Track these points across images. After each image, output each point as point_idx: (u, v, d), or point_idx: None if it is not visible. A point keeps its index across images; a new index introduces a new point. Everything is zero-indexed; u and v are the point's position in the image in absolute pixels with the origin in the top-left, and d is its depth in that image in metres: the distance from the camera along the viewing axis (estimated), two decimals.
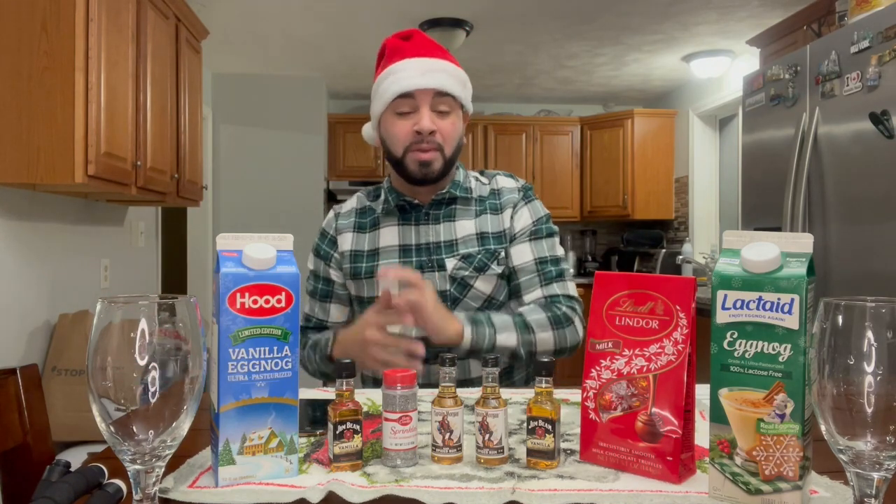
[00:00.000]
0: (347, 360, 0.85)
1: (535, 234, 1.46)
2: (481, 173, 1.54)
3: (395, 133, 1.40)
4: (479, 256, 1.43)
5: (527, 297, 1.44)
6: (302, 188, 5.16)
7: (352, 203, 1.55)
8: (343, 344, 1.36)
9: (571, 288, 1.46)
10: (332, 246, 1.51)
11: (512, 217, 1.47)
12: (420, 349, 1.25)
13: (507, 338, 1.32)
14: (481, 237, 1.45)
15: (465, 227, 1.45)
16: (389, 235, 1.46)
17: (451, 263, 1.42)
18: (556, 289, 1.44)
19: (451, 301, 1.42)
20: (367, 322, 1.28)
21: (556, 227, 1.52)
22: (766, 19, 3.79)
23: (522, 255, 1.45)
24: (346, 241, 1.49)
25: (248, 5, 3.69)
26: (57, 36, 2.07)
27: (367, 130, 1.53)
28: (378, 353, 1.25)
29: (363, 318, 1.31)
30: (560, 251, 1.49)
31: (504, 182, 1.52)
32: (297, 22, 3.97)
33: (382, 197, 1.50)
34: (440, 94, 1.37)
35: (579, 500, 0.73)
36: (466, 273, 1.42)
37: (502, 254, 1.45)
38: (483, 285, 1.43)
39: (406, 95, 1.36)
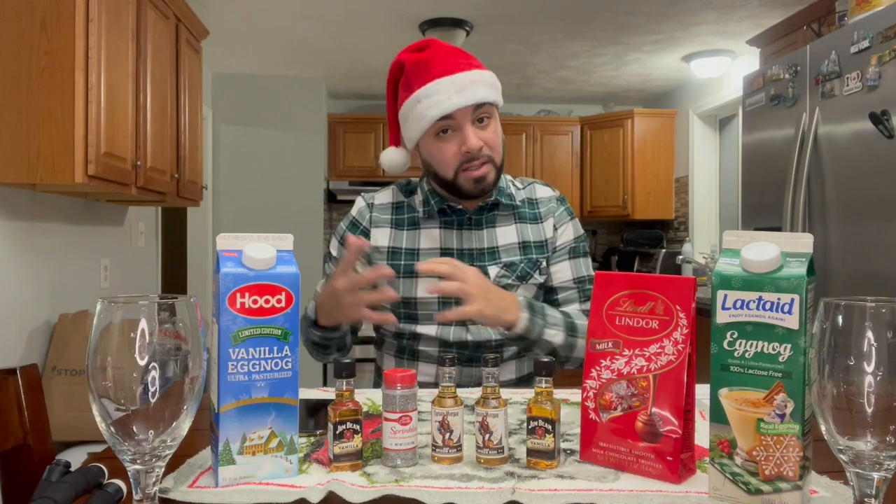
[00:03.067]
0: (347, 360, 0.85)
1: (574, 253, 1.48)
2: (514, 178, 1.54)
3: (441, 157, 1.36)
4: (522, 265, 1.43)
5: (565, 308, 1.45)
6: (302, 188, 5.16)
7: (386, 196, 1.51)
8: (323, 306, 1.34)
9: None
10: (364, 237, 1.46)
11: (556, 228, 1.48)
12: (390, 292, 1.24)
13: (555, 335, 1.32)
14: (523, 246, 1.45)
15: (506, 234, 1.45)
16: (430, 238, 1.44)
17: (493, 271, 1.42)
18: (575, 308, 1.46)
19: None
20: (334, 275, 1.27)
21: (588, 249, 1.55)
22: (766, 19, 3.79)
23: (562, 273, 1.47)
24: (383, 236, 1.45)
25: (248, 5, 3.69)
26: (57, 36, 2.07)
27: (392, 157, 1.46)
28: (351, 297, 1.23)
29: (332, 273, 1.30)
30: (592, 272, 1.49)
31: (541, 191, 1.52)
32: (297, 22, 3.97)
33: (421, 197, 1.46)
34: (478, 106, 1.34)
35: (579, 500, 0.73)
36: (509, 281, 1.42)
37: (543, 263, 1.46)
38: (523, 291, 1.42)
39: (446, 117, 1.32)
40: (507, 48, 4.43)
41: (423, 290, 1.39)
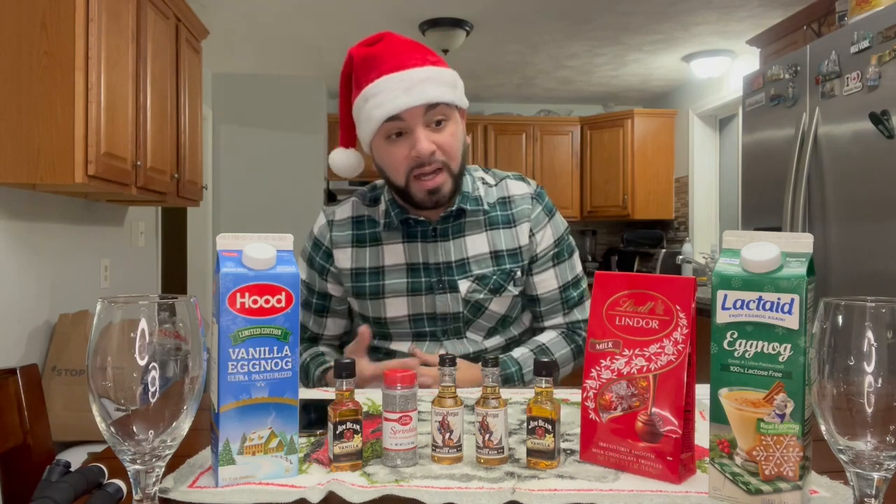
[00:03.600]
0: (347, 360, 0.85)
1: (558, 258, 1.40)
2: (487, 171, 1.44)
3: (391, 162, 1.27)
4: (495, 278, 1.35)
5: (548, 323, 1.43)
6: (302, 188, 5.16)
7: (346, 210, 1.41)
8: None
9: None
10: (328, 259, 1.40)
11: (532, 234, 1.38)
12: (433, 358, 1.23)
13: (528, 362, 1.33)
14: (495, 256, 1.36)
15: (476, 243, 1.35)
16: (394, 253, 1.36)
17: (464, 286, 1.34)
18: (577, 314, 1.43)
19: (463, 322, 1.36)
20: (361, 368, 1.22)
21: (573, 241, 1.46)
22: (766, 19, 3.79)
23: (547, 283, 1.39)
24: (345, 258, 1.38)
25: (248, 5, 3.69)
26: (57, 36, 2.07)
27: (341, 159, 1.38)
28: (374, 381, 1.23)
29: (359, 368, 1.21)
30: (579, 268, 1.44)
31: (515, 188, 1.40)
32: (297, 22, 3.97)
33: (383, 207, 1.37)
34: (431, 107, 1.22)
35: (579, 500, 0.72)
36: (481, 296, 1.35)
37: (518, 273, 1.37)
38: (497, 306, 1.37)
39: (394, 118, 1.22)
40: (507, 48, 4.43)
41: (392, 309, 1.36)
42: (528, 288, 1.41)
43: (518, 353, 1.37)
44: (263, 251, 0.79)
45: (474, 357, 1.38)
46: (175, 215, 4.79)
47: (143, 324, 0.60)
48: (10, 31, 2.07)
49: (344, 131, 1.37)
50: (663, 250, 5.25)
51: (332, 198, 5.49)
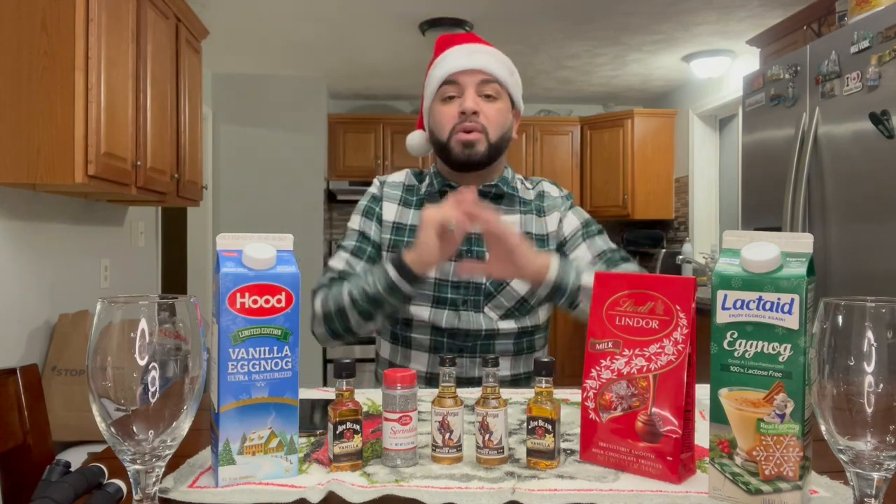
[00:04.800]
0: (347, 360, 0.85)
1: (587, 234, 1.48)
2: (525, 178, 1.55)
3: (439, 119, 1.41)
4: None
5: None
6: (302, 188, 5.16)
7: (400, 177, 1.54)
8: (417, 259, 1.25)
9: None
10: (381, 208, 1.49)
11: (560, 222, 1.48)
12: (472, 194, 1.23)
13: (591, 278, 1.31)
14: (524, 236, 1.43)
15: (508, 222, 1.42)
16: None
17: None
18: (623, 267, 1.44)
19: (484, 295, 1.41)
20: (427, 230, 1.22)
21: (601, 225, 1.54)
22: (766, 19, 3.79)
23: (581, 258, 1.45)
24: (390, 212, 1.48)
25: (248, 5, 3.69)
26: (57, 36, 2.07)
27: (414, 138, 1.52)
28: (445, 242, 1.22)
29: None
30: (612, 244, 1.50)
31: (549, 188, 1.53)
32: (298, 22, 3.97)
33: (428, 181, 1.50)
34: (486, 81, 1.39)
35: (579, 500, 0.72)
36: None
37: None
38: (519, 285, 1.41)
39: (451, 82, 1.38)
40: (507, 48, 4.41)
41: None
42: None
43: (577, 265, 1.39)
44: (263, 251, 0.79)
45: (486, 335, 1.41)
46: (175, 215, 4.79)
47: (143, 324, 0.60)
48: (10, 32, 2.07)
49: (422, 115, 1.52)
50: (663, 250, 5.25)
51: (332, 198, 5.49)
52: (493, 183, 1.45)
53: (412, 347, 1.44)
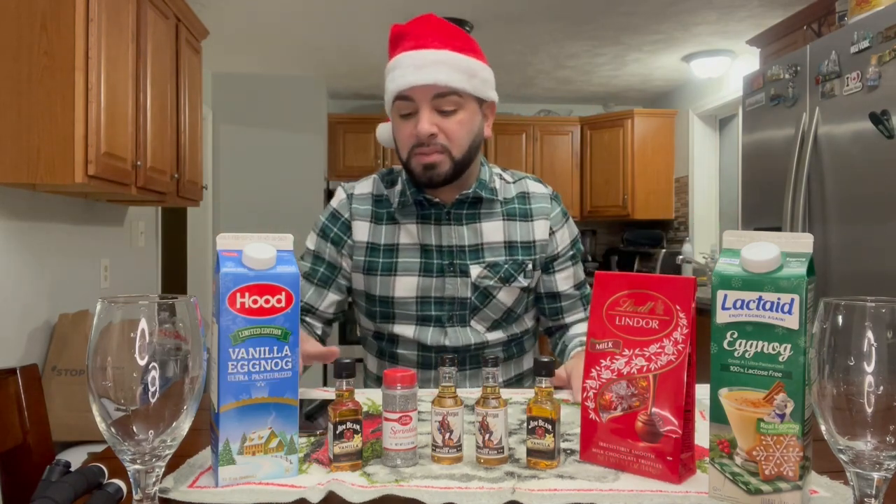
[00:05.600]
0: (347, 360, 0.85)
1: (574, 258, 1.46)
2: (505, 171, 1.47)
3: (398, 136, 1.32)
4: (506, 267, 1.37)
5: (569, 319, 1.46)
6: (302, 188, 5.16)
7: (366, 187, 1.43)
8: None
9: None
10: (346, 231, 1.40)
11: (553, 233, 1.42)
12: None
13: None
14: (509, 246, 1.38)
15: (491, 231, 1.38)
16: (409, 233, 1.37)
17: (475, 271, 1.36)
18: (582, 315, 1.48)
19: (470, 310, 1.37)
20: (305, 352, 1.16)
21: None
22: (766, 19, 3.79)
23: (568, 280, 1.45)
24: (362, 231, 1.39)
25: (248, 5, 3.69)
26: (57, 36, 2.07)
27: (382, 131, 1.43)
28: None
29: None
30: (583, 273, 1.51)
31: (534, 187, 1.44)
32: (297, 22, 3.97)
33: (399, 187, 1.38)
34: (441, 95, 1.25)
35: (579, 500, 0.72)
36: (491, 283, 1.36)
37: (529, 266, 1.39)
38: (505, 296, 1.38)
39: (405, 97, 1.26)
40: (507, 48, 4.43)
41: (401, 288, 1.36)
42: (547, 285, 1.44)
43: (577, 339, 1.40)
44: (263, 251, 0.79)
45: (476, 348, 1.38)
46: (175, 215, 4.79)
47: (143, 324, 0.60)
48: (10, 32, 2.07)
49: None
50: (663, 250, 5.25)
51: (331, 198, 5.49)
52: (469, 190, 1.36)
53: (399, 362, 1.40)
